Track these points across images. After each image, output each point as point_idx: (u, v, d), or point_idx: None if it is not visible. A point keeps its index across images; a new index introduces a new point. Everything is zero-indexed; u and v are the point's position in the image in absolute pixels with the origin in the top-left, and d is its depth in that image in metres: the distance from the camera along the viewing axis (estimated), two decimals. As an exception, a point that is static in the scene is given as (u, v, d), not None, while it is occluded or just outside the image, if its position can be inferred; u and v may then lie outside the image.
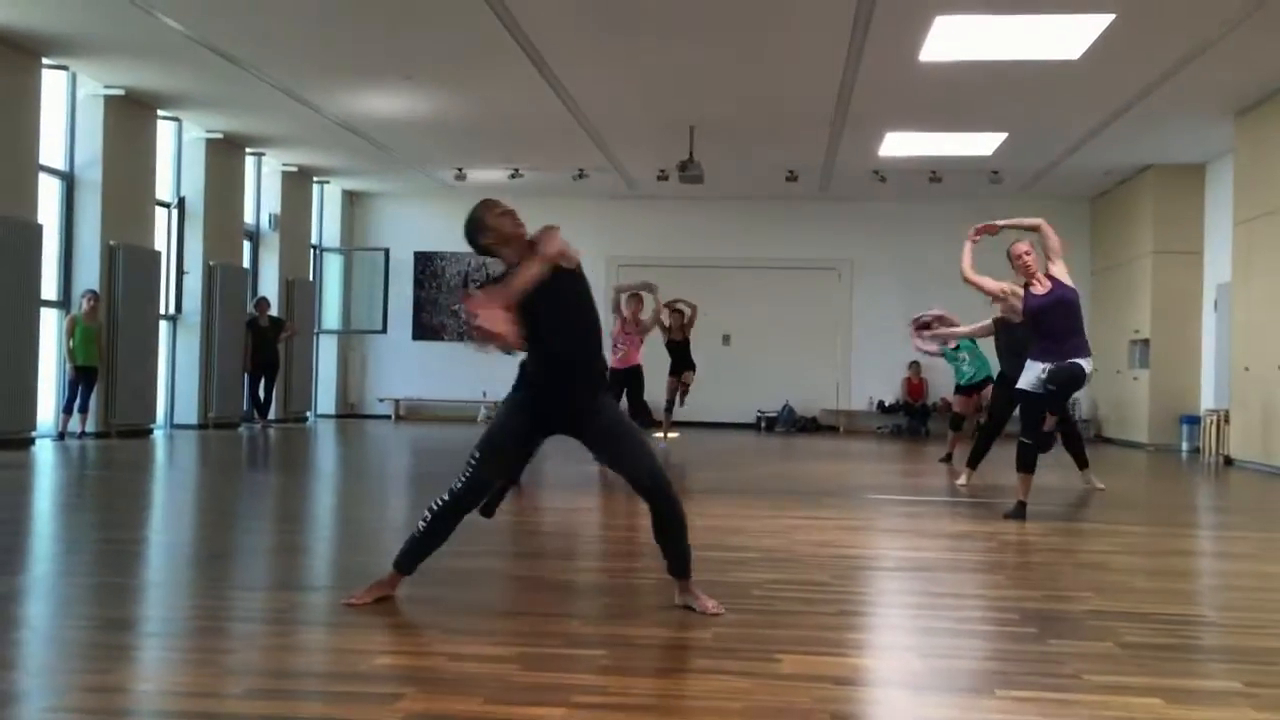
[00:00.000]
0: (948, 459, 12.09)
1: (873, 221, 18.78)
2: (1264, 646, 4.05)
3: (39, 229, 11.76)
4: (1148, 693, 3.35)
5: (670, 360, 13.29)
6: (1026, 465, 7.45)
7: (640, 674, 3.42)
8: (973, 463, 9.62)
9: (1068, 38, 10.10)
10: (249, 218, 16.79)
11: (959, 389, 12.25)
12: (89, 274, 12.95)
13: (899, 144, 14.60)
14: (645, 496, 4.23)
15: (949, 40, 10.22)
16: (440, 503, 4.27)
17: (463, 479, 4.24)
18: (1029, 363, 7.43)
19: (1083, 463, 9.58)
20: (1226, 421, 13.30)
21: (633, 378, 11.08)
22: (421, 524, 4.32)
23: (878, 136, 14.27)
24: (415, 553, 4.33)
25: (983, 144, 14.49)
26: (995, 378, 10.04)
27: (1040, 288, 7.36)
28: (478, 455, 4.26)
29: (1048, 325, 7.34)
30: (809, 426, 18.84)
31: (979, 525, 7.13)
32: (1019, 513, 7.35)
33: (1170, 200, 15.64)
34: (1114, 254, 17.21)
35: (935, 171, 16.00)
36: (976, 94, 12.12)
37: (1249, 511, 9.11)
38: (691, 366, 13.28)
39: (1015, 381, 8.60)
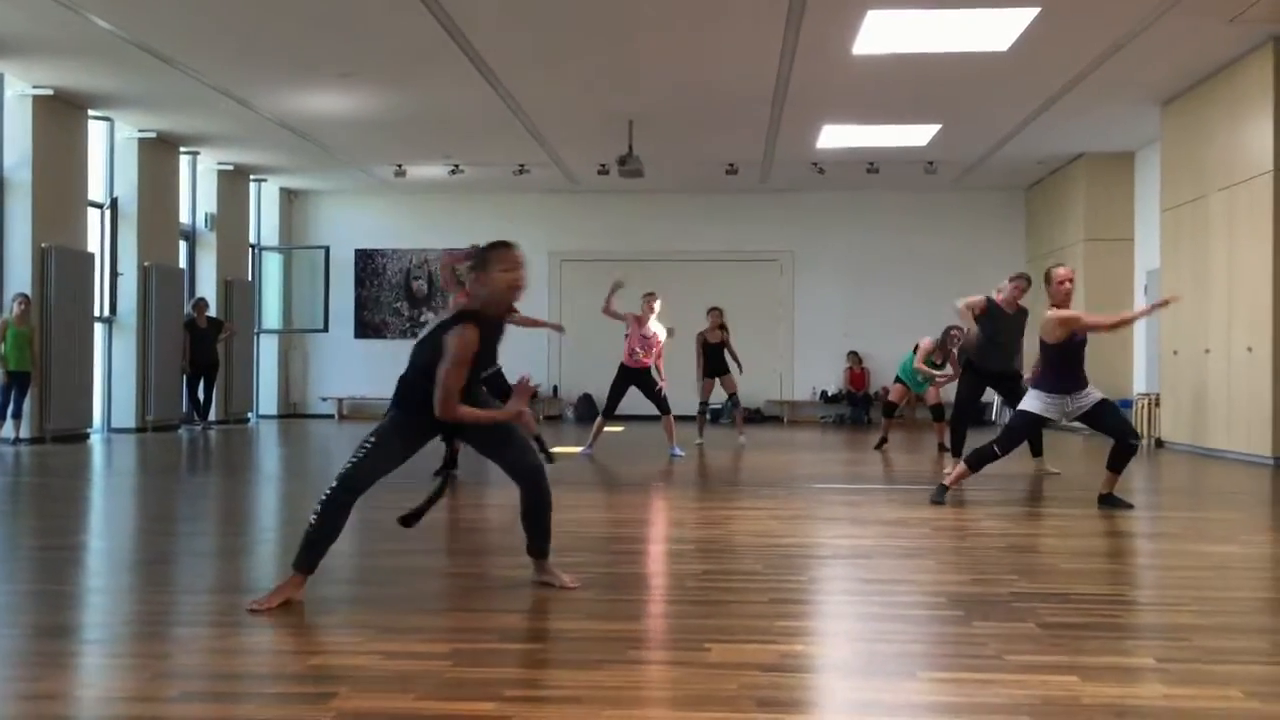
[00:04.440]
0: (882, 445, 12.36)
1: (812, 213, 18.96)
2: (1178, 623, 4.19)
3: (-32, 232, 11.58)
4: (1064, 670, 3.46)
5: (704, 362, 13.32)
6: (977, 466, 7.57)
7: (571, 666, 3.48)
8: (957, 452, 9.77)
9: (996, 30, 10.27)
10: (185, 217, 16.61)
11: (899, 381, 12.55)
12: (20, 277, 12.75)
13: (836, 136, 14.75)
14: (522, 483, 4.61)
15: (881, 33, 10.36)
16: (328, 493, 4.33)
17: (349, 465, 4.33)
18: (1037, 390, 7.47)
19: (1037, 450, 9.79)
20: (1157, 405, 13.61)
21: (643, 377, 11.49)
22: (313, 518, 4.36)
23: (815, 129, 14.41)
24: (312, 548, 4.35)
25: (918, 135, 14.69)
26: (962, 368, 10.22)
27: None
28: (369, 444, 4.36)
29: (1071, 359, 7.38)
30: (753, 418, 18.95)
31: (914, 512, 7.26)
32: (940, 496, 7.58)
33: (1101, 188, 15.96)
34: (1048, 242, 17.50)
35: (873, 163, 16.18)
36: (910, 86, 12.29)
37: (1177, 493, 9.35)
38: (723, 371, 13.28)
39: (984, 370, 9.01)
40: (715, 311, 13.43)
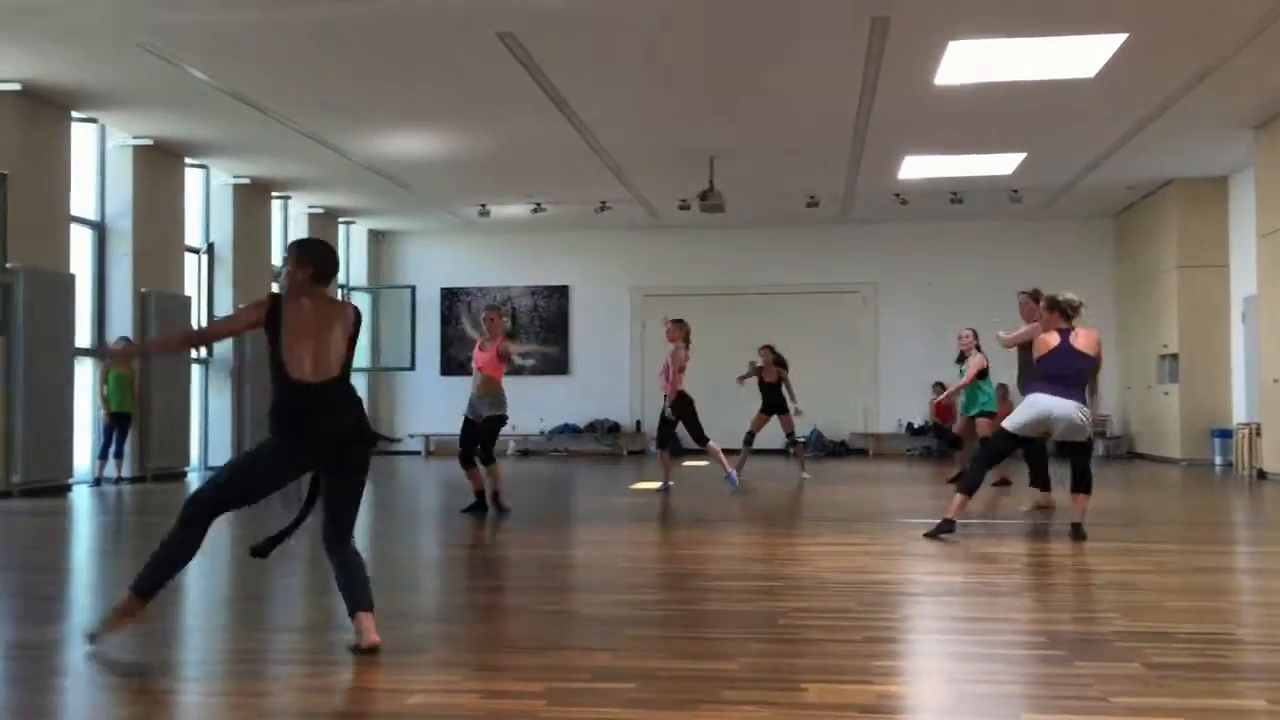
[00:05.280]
0: (959, 478, 12.02)
1: (895, 244, 18.81)
2: (1291, 664, 4.05)
3: (72, 279, 11.98)
4: (1173, 713, 3.36)
5: (762, 399, 13.28)
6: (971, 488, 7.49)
7: (666, 706, 3.46)
8: (1043, 485, 9.47)
9: (1081, 57, 10.14)
10: (277, 261, 16.99)
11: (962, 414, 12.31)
12: (121, 321, 13.16)
13: (918, 167, 14.65)
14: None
15: (963, 64, 10.28)
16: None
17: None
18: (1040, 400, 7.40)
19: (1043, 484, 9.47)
20: (1258, 435, 13.20)
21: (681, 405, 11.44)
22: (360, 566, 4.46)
23: (897, 160, 14.33)
24: (356, 589, 4.38)
25: (1002, 164, 14.52)
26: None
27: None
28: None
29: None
30: (838, 451, 18.82)
31: (1005, 547, 7.12)
32: (948, 529, 7.37)
33: (1194, 214, 15.60)
34: (1140, 269, 17.16)
35: (956, 193, 16.02)
36: (993, 115, 12.16)
37: (1282, 525, 9.05)
38: (782, 409, 13.20)
39: None
40: (766, 349, 13.34)
